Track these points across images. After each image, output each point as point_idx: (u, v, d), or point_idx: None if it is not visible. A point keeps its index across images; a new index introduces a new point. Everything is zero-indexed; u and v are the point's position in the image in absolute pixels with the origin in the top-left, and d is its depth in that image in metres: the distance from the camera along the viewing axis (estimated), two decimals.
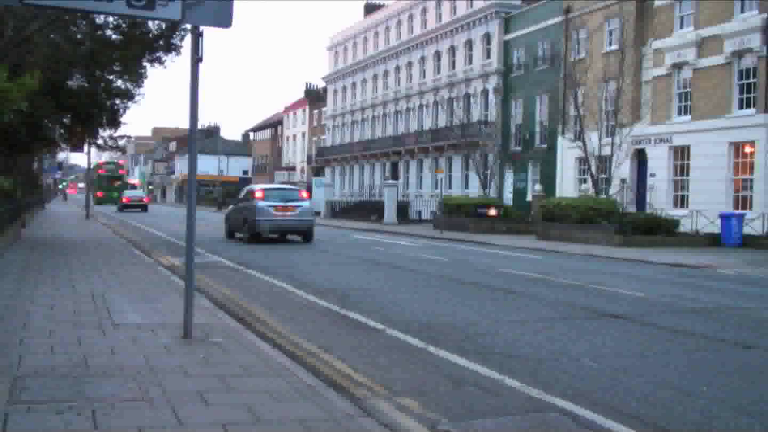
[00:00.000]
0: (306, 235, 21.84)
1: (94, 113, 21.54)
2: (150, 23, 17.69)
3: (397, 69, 53.47)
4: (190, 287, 6.72)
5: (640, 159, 30.56)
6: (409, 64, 51.72)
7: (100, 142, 29.42)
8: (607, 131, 28.56)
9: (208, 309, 8.37)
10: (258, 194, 21.63)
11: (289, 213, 21.15)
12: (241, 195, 23.49)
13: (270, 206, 20.88)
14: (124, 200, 54.87)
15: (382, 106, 55.47)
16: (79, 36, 18.31)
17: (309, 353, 6.50)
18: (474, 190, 39.86)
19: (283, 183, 24.51)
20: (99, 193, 77.32)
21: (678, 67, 28.46)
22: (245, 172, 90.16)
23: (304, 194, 23.26)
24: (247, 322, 7.86)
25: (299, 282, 11.71)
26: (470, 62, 44.22)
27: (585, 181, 32.40)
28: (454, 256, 18.40)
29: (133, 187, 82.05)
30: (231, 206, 25.40)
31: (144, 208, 54.10)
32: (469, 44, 44.39)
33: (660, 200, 28.81)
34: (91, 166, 39.97)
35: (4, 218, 14.98)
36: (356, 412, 4.64)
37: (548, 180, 35.66)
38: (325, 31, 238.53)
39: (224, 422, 4.25)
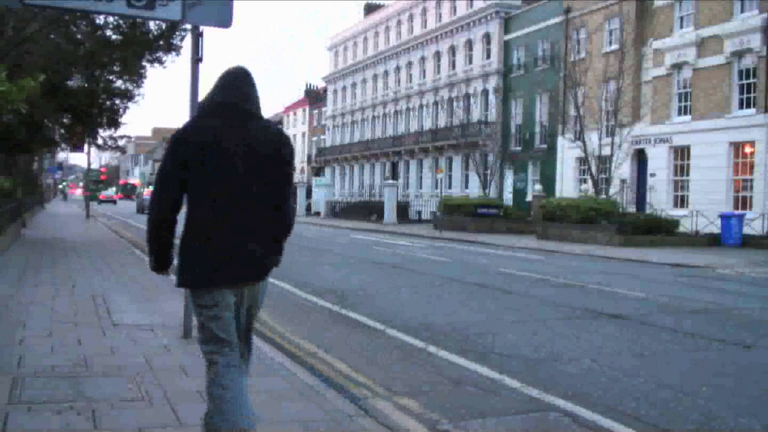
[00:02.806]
0: None
1: (94, 113, 21.60)
2: (150, 23, 17.69)
3: (397, 69, 53.44)
4: None
5: (640, 159, 30.55)
6: (409, 64, 51.70)
7: (100, 142, 29.46)
8: (607, 131, 28.53)
9: None
10: (146, 191, 41.03)
11: None
12: (142, 191, 51.64)
13: None
14: (100, 197, 77.49)
15: (382, 106, 55.44)
16: (79, 36, 18.31)
17: (309, 353, 6.50)
18: (474, 190, 39.84)
19: None
20: (87, 192, 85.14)
21: (678, 67, 28.45)
22: None
23: None
24: None
25: (299, 282, 11.69)
26: (470, 62, 44.21)
27: (585, 181, 32.38)
28: (454, 256, 18.40)
29: (131, 188, 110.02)
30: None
31: (114, 202, 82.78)
32: (469, 44, 44.38)
33: (660, 200, 28.80)
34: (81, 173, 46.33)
35: (4, 218, 14.98)
36: (356, 412, 4.63)
37: (548, 180, 35.64)
38: (325, 31, 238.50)
39: None
